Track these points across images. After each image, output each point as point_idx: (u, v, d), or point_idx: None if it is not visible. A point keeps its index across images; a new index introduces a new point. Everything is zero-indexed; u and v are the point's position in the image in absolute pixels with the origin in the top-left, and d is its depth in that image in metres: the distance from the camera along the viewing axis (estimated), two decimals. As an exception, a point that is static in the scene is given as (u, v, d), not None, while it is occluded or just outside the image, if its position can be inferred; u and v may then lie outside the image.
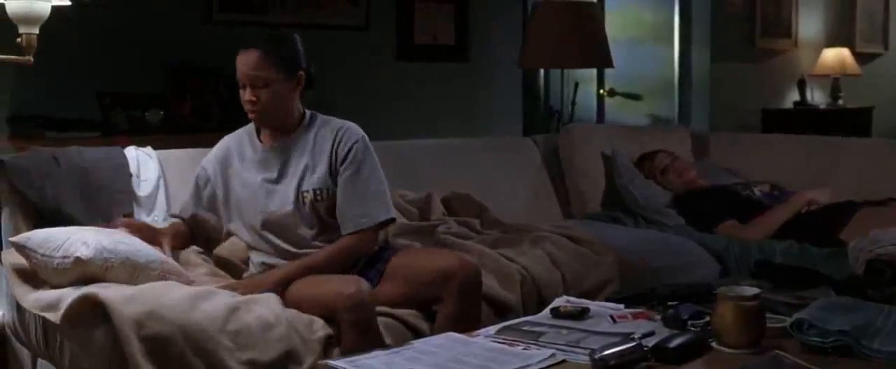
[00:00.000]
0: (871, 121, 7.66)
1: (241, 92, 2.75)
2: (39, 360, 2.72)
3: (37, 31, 2.68)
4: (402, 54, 5.60)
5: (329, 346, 2.53)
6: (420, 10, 5.68)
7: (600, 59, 4.78)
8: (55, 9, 2.75)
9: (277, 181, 2.80)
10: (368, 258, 2.82)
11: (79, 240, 2.51)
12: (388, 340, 2.55)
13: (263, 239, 2.80)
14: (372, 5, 5.45)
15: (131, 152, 3.21)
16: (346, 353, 2.42)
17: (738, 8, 7.02)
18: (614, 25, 6.66)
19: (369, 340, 2.46)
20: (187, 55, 4.70)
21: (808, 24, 7.68)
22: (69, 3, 2.70)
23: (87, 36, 4.46)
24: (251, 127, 2.89)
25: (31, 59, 2.67)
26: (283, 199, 2.78)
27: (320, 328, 2.55)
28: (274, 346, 2.45)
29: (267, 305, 2.54)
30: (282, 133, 2.82)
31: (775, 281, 2.74)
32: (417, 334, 2.62)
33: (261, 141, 2.86)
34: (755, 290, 2.18)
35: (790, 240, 3.61)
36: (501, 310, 2.81)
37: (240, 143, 2.89)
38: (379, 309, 2.62)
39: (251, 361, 2.40)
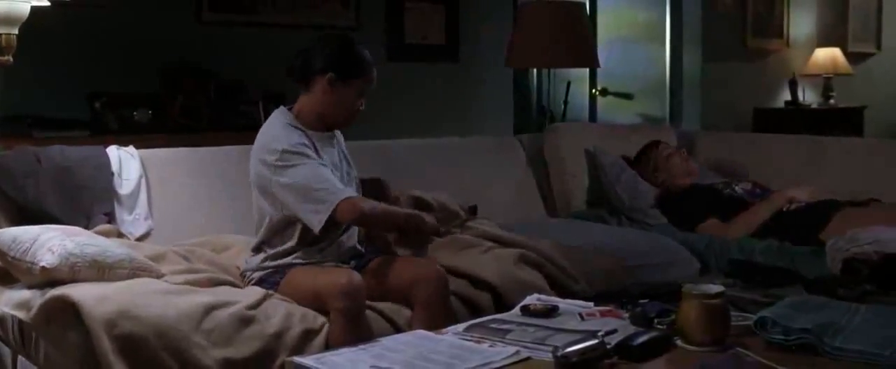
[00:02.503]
0: (863, 120, 7.68)
1: (360, 102, 2.88)
2: (19, 357, 2.74)
3: (16, 31, 2.72)
4: (392, 54, 5.61)
5: (306, 342, 2.57)
6: (410, 10, 5.70)
7: (586, 58, 4.80)
8: (45, 9, 2.79)
9: (342, 175, 2.91)
10: (355, 256, 2.93)
11: (44, 246, 2.52)
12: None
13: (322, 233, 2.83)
14: (362, 6, 5.47)
15: (113, 151, 3.24)
16: (333, 342, 2.50)
17: (729, 8, 7.04)
18: (606, 25, 6.70)
19: (359, 330, 2.55)
20: (178, 55, 4.73)
21: (800, 24, 7.70)
22: (48, 4, 2.74)
23: (76, 36, 4.50)
24: (289, 119, 2.87)
25: (11, 59, 2.71)
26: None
27: (297, 323, 2.59)
28: (249, 344, 2.48)
29: (247, 299, 2.59)
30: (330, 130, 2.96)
31: (748, 279, 2.76)
32: (395, 326, 2.70)
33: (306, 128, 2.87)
34: (719, 288, 2.20)
35: (771, 238, 3.63)
36: (474, 310, 2.84)
37: (302, 133, 2.85)
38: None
39: (226, 359, 2.44)
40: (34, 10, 2.73)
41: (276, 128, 2.83)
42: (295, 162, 2.73)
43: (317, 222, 2.71)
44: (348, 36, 2.95)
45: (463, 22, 5.92)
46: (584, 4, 4.95)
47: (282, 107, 2.94)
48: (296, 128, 2.83)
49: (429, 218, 2.88)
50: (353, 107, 2.88)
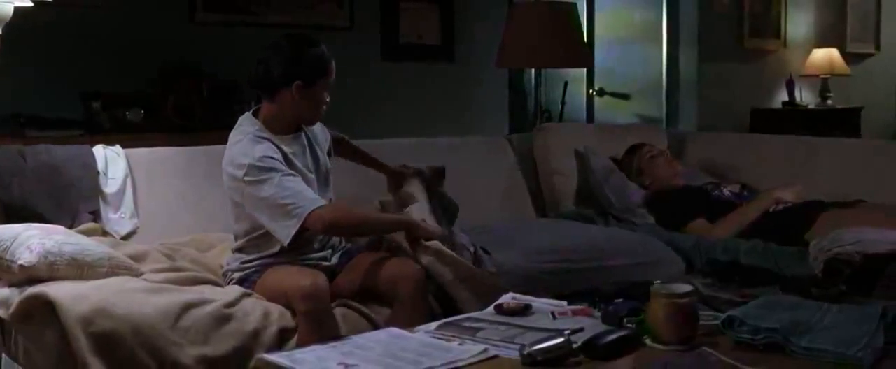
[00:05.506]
0: (860, 121, 7.67)
1: (326, 95, 2.89)
2: (3, 355, 2.77)
3: (0, 31, 2.75)
4: (387, 54, 5.63)
5: (282, 340, 2.59)
6: (405, 10, 5.72)
7: (578, 58, 4.82)
8: (39, 10, 2.82)
9: (318, 174, 2.93)
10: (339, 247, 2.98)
11: (23, 245, 2.54)
12: (344, 330, 2.64)
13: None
14: (357, 5, 5.49)
15: (99, 150, 3.27)
16: (301, 344, 2.51)
17: (726, 8, 7.03)
18: (603, 25, 6.70)
19: (324, 330, 2.57)
20: (171, 55, 4.75)
21: (798, 24, 7.69)
22: (31, 5, 2.77)
23: (70, 36, 4.53)
24: (256, 129, 2.84)
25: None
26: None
27: (274, 321, 2.62)
28: (226, 342, 2.52)
29: (225, 297, 2.61)
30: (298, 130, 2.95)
31: (725, 278, 2.77)
32: (373, 324, 2.71)
33: (274, 136, 2.86)
34: (688, 287, 2.22)
35: (756, 239, 3.64)
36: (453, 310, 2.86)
37: (269, 143, 2.83)
38: (339, 300, 2.76)
39: (203, 357, 2.46)
40: (29, 10, 2.76)
41: (244, 142, 2.79)
42: (263, 177, 2.70)
43: (285, 237, 2.70)
44: (302, 37, 2.91)
45: (458, 22, 5.93)
46: (575, 5, 4.95)
47: (247, 114, 2.92)
48: (263, 138, 2.80)
49: (424, 224, 2.87)
50: (322, 104, 2.90)
